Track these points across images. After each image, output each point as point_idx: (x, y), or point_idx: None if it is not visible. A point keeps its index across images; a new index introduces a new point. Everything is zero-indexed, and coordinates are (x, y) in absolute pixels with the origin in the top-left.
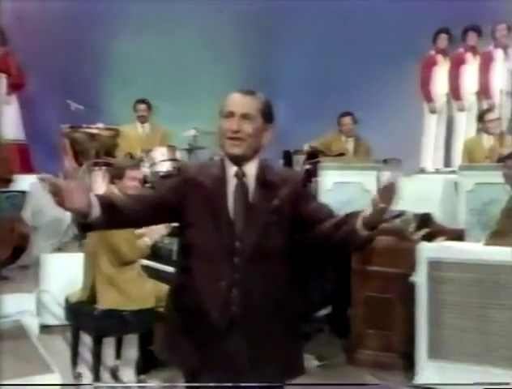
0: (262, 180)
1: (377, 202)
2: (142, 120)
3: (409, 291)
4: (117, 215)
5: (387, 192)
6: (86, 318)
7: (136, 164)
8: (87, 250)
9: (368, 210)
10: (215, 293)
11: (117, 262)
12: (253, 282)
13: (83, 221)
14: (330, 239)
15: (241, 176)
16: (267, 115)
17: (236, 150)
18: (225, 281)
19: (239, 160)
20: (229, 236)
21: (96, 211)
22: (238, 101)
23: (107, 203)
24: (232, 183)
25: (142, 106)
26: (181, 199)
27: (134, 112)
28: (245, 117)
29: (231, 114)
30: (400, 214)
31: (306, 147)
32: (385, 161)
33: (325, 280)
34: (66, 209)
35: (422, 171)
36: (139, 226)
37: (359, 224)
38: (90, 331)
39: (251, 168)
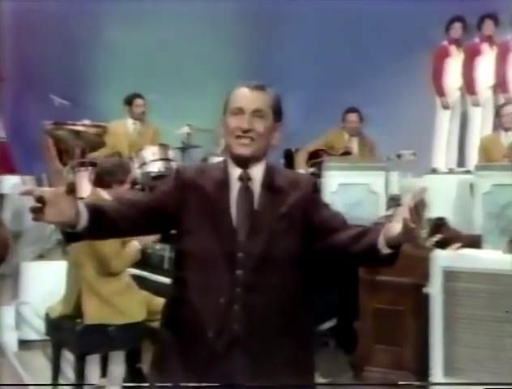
0: (269, 184)
1: (407, 221)
2: (140, 116)
3: (422, 303)
4: (107, 224)
5: (418, 211)
6: (68, 334)
7: (130, 165)
8: (71, 258)
9: (391, 227)
10: (213, 310)
11: (104, 272)
12: (256, 297)
13: (69, 231)
14: (347, 252)
15: (245, 179)
16: (278, 112)
17: (246, 150)
18: (225, 296)
19: (246, 162)
20: (231, 245)
21: (83, 220)
22: (247, 96)
23: (96, 211)
24: (235, 187)
25: (141, 101)
26: (179, 204)
27: (129, 107)
28: (256, 114)
29: (240, 111)
30: None
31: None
32: (398, 156)
33: (329, 290)
34: (51, 223)
35: (434, 171)
36: (132, 235)
37: (381, 241)
38: (72, 348)
39: (257, 172)
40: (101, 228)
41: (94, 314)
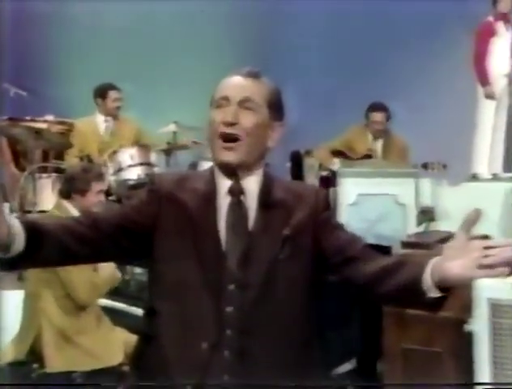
0: (268, 199)
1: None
2: (115, 112)
3: (463, 343)
4: (53, 249)
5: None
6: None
7: (101, 172)
8: (28, 287)
9: (446, 263)
10: (191, 357)
11: (70, 306)
12: (253, 342)
13: (0, 256)
14: (373, 291)
15: (237, 192)
16: (276, 108)
17: (231, 155)
18: (209, 340)
19: (234, 171)
20: (219, 275)
21: (19, 243)
22: (236, 84)
23: (37, 232)
24: (224, 202)
25: (116, 93)
26: (152, 223)
27: (102, 100)
28: (244, 104)
29: (225, 101)
30: (448, 237)
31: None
32: (424, 166)
33: (347, 325)
34: None
35: (474, 178)
36: (92, 262)
37: (427, 281)
38: None
39: (252, 183)
40: (44, 254)
41: (56, 358)
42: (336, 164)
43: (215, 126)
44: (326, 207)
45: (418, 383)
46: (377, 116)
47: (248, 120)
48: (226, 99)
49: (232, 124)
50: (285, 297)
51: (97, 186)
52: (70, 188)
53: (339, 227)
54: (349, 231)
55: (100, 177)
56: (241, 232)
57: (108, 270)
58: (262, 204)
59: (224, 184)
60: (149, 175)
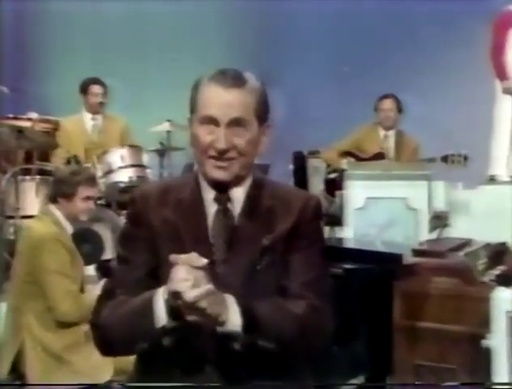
0: (254, 205)
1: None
2: (98, 109)
3: (480, 360)
4: None
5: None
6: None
7: (92, 176)
8: (10, 301)
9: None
10: (194, 376)
11: (55, 322)
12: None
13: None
14: None
15: (223, 200)
16: (264, 112)
17: (223, 174)
18: (209, 360)
19: (225, 186)
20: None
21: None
22: (222, 100)
23: None
24: (211, 210)
25: (98, 88)
26: (154, 241)
27: (85, 96)
28: (235, 124)
29: (212, 121)
30: (465, 244)
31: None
32: (444, 159)
33: (354, 340)
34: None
35: (493, 180)
36: None
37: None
38: None
39: (240, 190)
40: None
41: (40, 375)
42: (345, 164)
43: (203, 147)
44: (314, 218)
45: (426, 384)
46: (386, 103)
47: (241, 140)
48: (213, 120)
49: (226, 151)
50: None
51: (85, 191)
52: (56, 191)
53: (311, 251)
54: (314, 262)
55: (90, 181)
56: (227, 240)
57: (95, 293)
58: (245, 212)
59: (210, 191)
60: (141, 176)
